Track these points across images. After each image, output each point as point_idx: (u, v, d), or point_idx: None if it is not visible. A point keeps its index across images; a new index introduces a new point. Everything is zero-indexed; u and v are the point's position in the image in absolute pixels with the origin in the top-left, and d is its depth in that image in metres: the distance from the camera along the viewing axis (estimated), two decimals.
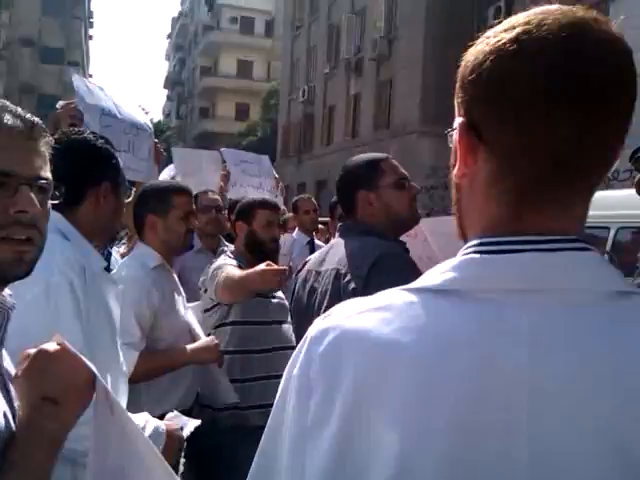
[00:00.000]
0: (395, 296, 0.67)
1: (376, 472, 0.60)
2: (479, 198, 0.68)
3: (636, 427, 0.57)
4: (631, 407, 0.57)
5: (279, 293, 2.79)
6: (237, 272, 2.49)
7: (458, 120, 0.69)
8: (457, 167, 0.70)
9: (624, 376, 0.58)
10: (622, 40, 0.64)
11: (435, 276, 0.66)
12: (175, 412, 1.76)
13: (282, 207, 5.99)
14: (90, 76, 46.02)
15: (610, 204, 5.75)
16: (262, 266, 2.36)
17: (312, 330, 0.70)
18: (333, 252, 1.94)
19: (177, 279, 2.52)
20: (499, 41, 0.65)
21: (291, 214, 5.51)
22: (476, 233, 0.68)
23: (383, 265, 1.72)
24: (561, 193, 0.64)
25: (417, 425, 0.60)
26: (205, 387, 2.51)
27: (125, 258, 2.62)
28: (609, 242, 5.88)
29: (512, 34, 0.64)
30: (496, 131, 0.65)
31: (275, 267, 2.34)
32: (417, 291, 0.66)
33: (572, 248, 0.63)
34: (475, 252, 0.65)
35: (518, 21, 0.66)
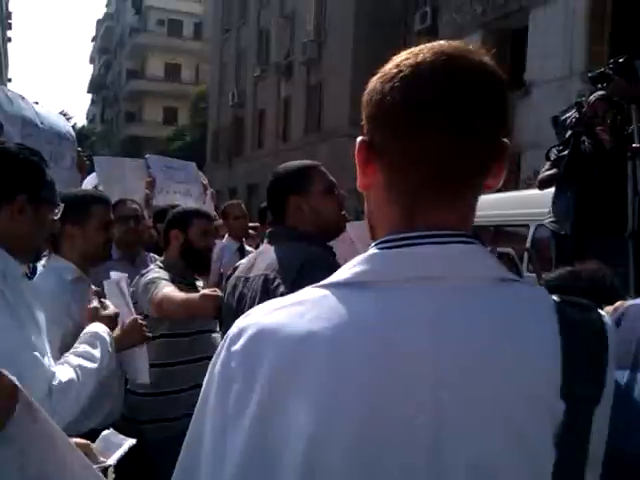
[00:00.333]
0: (309, 292, 0.73)
1: (290, 450, 0.65)
2: (380, 204, 0.76)
3: (532, 412, 0.63)
4: (528, 389, 0.64)
5: None
6: (177, 294, 2.46)
7: (358, 138, 0.77)
8: (358, 179, 0.77)
9: (522, 358, 0.65)
10: (493, 70, 0.72)
11: (344, 271, 0.72)
12: (111, 430, 1.73)
13: (213, 213, 5.95)
14: (9, 80, 44.22)
15: (529, 203, 6.00)
16: (206, 291, 2.35)
17: (232, 329, 0.74)
18: (262, 258, 1.95)
19: (94, 290, 2.46)
20: (386, 67, 0.74)
21: (221, 220, 5.47)
22: (382, 234, 0.75)
23: (311, 270, 1.75)
24: (444, 197, 0.72)
25: (329, 406, 0.65)
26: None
27: (41, 271, 2.53)
28: (529, 239, 6.14)
29: (396, 61, 0.73)
30: (384, 146, 0.73)
31: (216, 293, 2.31)
32: (329, 286, 0.72)
33: (459, 241, 0.70)
34: (378, 248, 0.72)
35: (406, 51, 0.74)
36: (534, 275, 5.16)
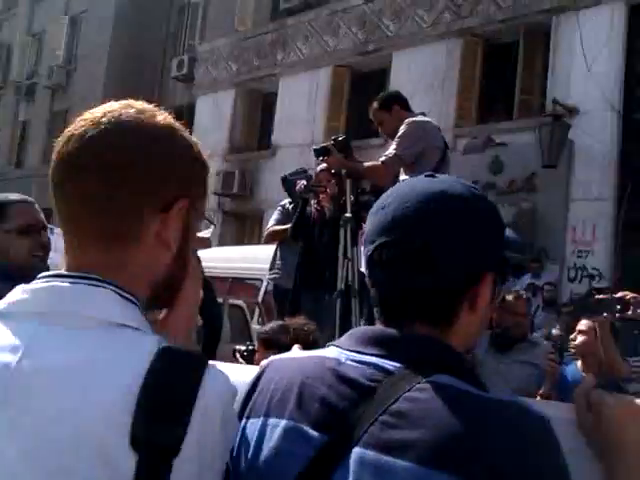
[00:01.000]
0: None
1: None
2: None
3: (90, 458, 0.66)
4: (90, 433, 0.66)
5: None
6: None
7: None
8: None
9: (93, 400, 0.68)
10: (152, 132, 0.80)
11: (3, 302, 0.78)
12: None
13: None
14: None
15: (263, 258, 6.33)
16: None
17: None
18: None
19: None
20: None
21: None
22: None
23: None
24: (79, 244, 0.80)
25: None
26: None
27: None
28: (261, 292, 6.43)
29: (77, 119, 0.84)
30: None
31: None
32: None
33: (85, 283, 0.76)
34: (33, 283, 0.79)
35: (87, 114, 0.85)
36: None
